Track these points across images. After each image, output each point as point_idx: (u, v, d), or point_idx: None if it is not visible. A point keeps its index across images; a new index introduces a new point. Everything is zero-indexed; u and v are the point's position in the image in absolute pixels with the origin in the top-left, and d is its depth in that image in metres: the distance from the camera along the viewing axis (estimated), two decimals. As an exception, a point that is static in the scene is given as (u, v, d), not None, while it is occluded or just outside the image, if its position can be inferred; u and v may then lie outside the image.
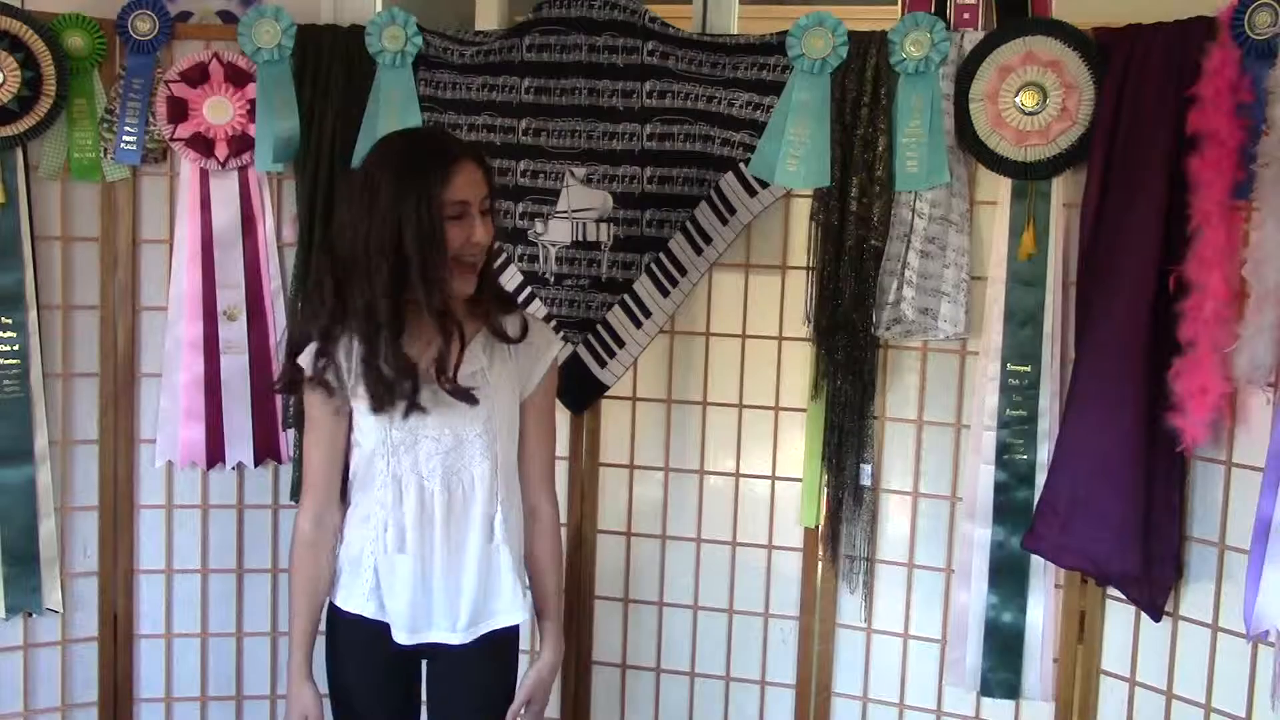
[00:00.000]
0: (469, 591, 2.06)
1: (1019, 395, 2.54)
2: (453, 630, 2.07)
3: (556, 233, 2.72)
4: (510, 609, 2.09)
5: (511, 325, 2.06)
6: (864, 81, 2.57)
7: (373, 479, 2.06)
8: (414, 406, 1.97)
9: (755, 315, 2.74)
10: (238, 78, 2.74)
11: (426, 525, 2.04)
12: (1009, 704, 2.64)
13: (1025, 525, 2.51)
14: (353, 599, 2.09)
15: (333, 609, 2.13)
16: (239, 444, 2.81)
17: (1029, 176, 2.50)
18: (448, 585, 2.06)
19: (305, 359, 2.03)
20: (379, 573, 2.07)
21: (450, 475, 2.04)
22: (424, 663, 2.16)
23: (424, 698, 2.19)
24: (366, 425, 2.04)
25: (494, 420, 2.05)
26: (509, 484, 2.09)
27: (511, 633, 2.13)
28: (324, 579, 2.12)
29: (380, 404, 1.98)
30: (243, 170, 2.77)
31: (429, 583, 2.06)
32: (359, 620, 2.09)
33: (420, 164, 1.92)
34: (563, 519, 2.77)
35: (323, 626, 2.16)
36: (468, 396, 1.99)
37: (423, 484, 2.04)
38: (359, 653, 2.12)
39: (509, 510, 2.08)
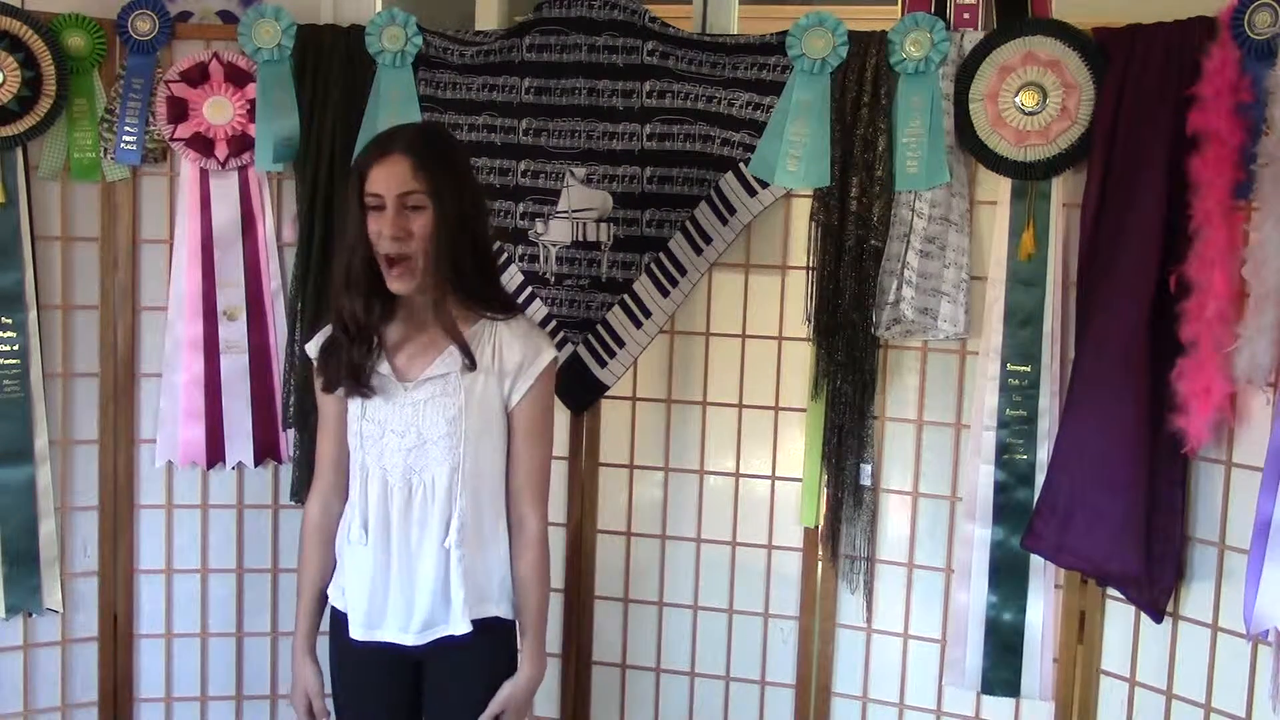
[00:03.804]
0: (424, 595, 2.05)
1: (1019, 395, 2.54)
2: (405, 631, 2.06)
3: (557, 233, 2.72)
4: (456, 618, 2.05)
5: (488, 339, 2.05)
6: (864, 81, 2.57)
7: (352, 470, 2.11)
8: (354, 385, 2.03)
9: (755, 315, 2.74)
10: (238, 78, 2.74)
11: (385, 521, 2.05)
12: (1009, 704, 2.64)
13: (1025, 525, 2.51)
14: (333, 591, 2.15)
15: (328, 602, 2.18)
16: (239, 444, 2.81)
17: (1029, 176, 2.50)
18: (402, 585, 2.05)
19: (311, 347, 2.11)
20: (344, 565, 2.11)
21: (411, 473, 2.04)
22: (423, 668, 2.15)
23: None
24: (349, 416, 2.09)
25: (460, 423, 2.02)
26: (476, 490, 2.06)
27: (470, 638, 2.07)
28: (327, 564, 2.16)
29: (329, 385, 2.07)
30: (243, 170, 2.77)
31: (384, 580, 2.06)
32: (335, 613, 2.14)
33: (359, 160, 2.01)
34: (562, 519, 2.80)
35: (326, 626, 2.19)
36: (361, 391, 2.03)
37: (386, 478, 2.05)
38: (340, 647, 2.15)
39: (474, 517, 2.05)
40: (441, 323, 2.02)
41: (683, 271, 2.70)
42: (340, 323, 2.03)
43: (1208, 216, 2.24)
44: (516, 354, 2.06)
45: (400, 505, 2.05)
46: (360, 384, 2.03)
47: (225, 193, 2.77)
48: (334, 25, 2.80)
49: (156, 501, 2.85)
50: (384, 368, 2.04)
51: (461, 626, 2.06)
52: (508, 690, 2.12)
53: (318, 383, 2.11)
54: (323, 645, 2.19)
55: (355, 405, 2.06)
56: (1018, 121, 2.48)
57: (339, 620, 2.13)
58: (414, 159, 1.95)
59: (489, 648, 2.12)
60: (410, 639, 2.06)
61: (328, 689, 2.19)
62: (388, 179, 1.95)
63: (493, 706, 2.11)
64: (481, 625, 2.08)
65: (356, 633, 2.07)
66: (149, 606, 2.86)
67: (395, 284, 1.98)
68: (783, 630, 2.79)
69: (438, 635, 2.07)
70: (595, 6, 2.66)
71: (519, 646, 2.16)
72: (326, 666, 2.19)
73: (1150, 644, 2.48)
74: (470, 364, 2.01)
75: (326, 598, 2.17)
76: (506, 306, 2.10)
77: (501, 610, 2.11)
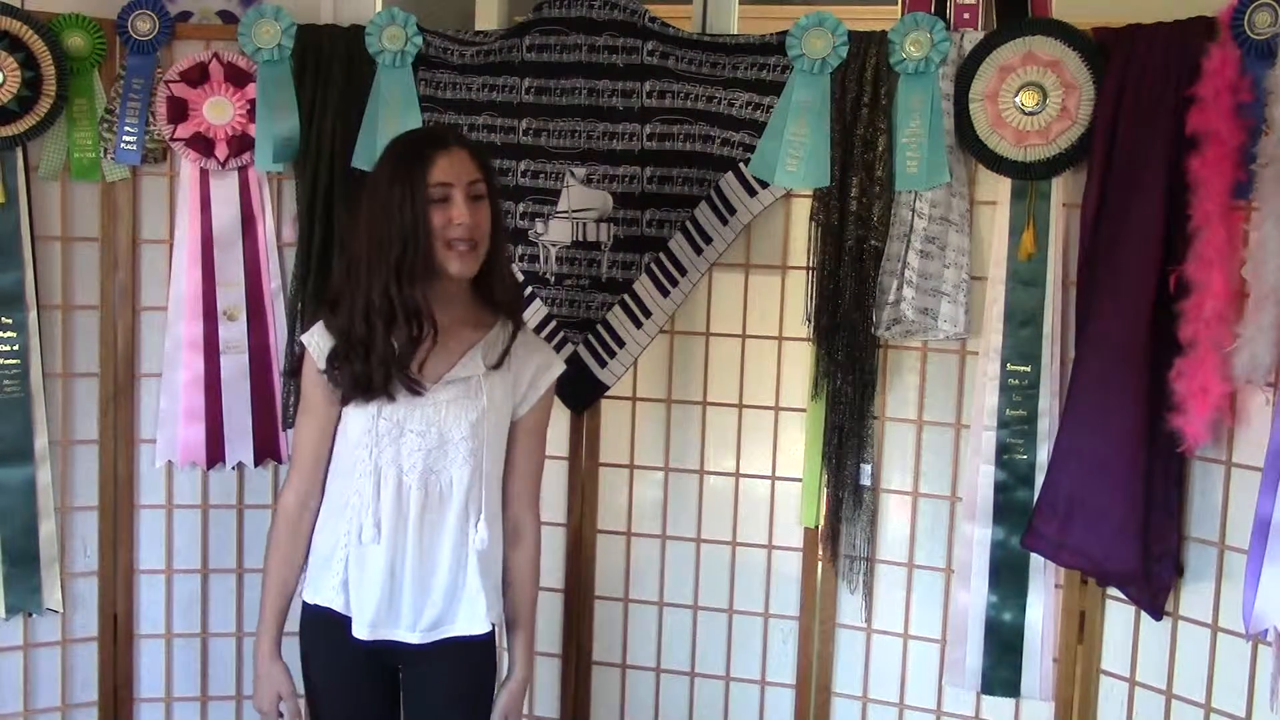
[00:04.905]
0: (437, 594, 2.06)
1: (1019, 395, 2.54)
2: (413, 630, 2.07)
3: (556, 233, 2.72)
4: (471, 619, 2.07)
5: (500, 344, 2.07)
6: (864, 81, 2.57)
7: (353, 468, 2.06)
8: (383, 394, 2.00)
9: (755, 315, 2.74)
10: (238, 78, 2.74)
11: (401, 520, 2.05)
12: (1009, 704, 2.64)
13: (1025, 525, 2.51)
14: (322, 591, 2.10)
15: (303, 605, 2.13)
16: (239, 444, 2.81)
17: (1029, 176, 2.50)
18: (416, 585, 2.05)
19: (308, 338, 2.08)
20: (349, 564, 2.07)
21: (429, 474, 2.04)
22: (400, 670, 2.15)
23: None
24: (353, 412, 2.06)
25: (482, 426, 2.05)
26: (490, 494, 2.09)
27: (481, 638, 2.10)
28: (299, 560, 2.13)
29: (349, 396, 2.03)
30: (243, 170, 2.77)
31: (398, 579, 2.06)
32: (328, 614, 2.09)
33: (409, 155, 1.99)
34: (562, 519, 2.80)
35: (293, 628, 2.16)
36: (415, 387, 2.00)
37: (402, 478, 2.04)
38: (329, 648, 2.12)
39: (487, 520, 2.07)
40: (497, 296, 2.06)
41: (683, 271, 2.70)
42: (387, 316, 1.97)
43: (1207, 216, 2.24)
44: (531, 363, 2.11)
45: (417, 507, 2.04)
46: (406, 375, 1.99)
47: (225, 193, 2.77)
48: (334, 25, 2.79)
49: (156, 501, 2.85)
50: None
51: (482, 625, 2.07)
52: (506, 696, 2.16)
53: (326, 386, 2.06)
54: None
55: (370, 404, 2.03)
56: (1018, 121, 2.48)
57: (329, 621, 2.09)
58: (472, 151, 2.02)
59: (475, 652, 2.12)
60: (416, 638, 2.07)
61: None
62: (456, 168, 1.97)
63: (496, 714, 2.15)
64: (457, 642, 2.09)
65: (361, 632, 2.06)
66: (149, 606, 2.86)
67: (460, 264, 1.99)
68: (783, 630, 2.79)
69: (443, 635, 2.07)
70: (595, 6, 2.66)
71: (511, 646, 2.18)
72: (295, 669, 2.17)
73: (1150, 644, 2.48)
74: (500, 360, 2.05)
75: (292, 595, 2.15)
76: (518, 313, 2.15)
77: (493, 615, 2.12)
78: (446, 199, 1.96)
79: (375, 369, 1.99)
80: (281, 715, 2.16)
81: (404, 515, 2.05)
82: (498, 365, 2.06)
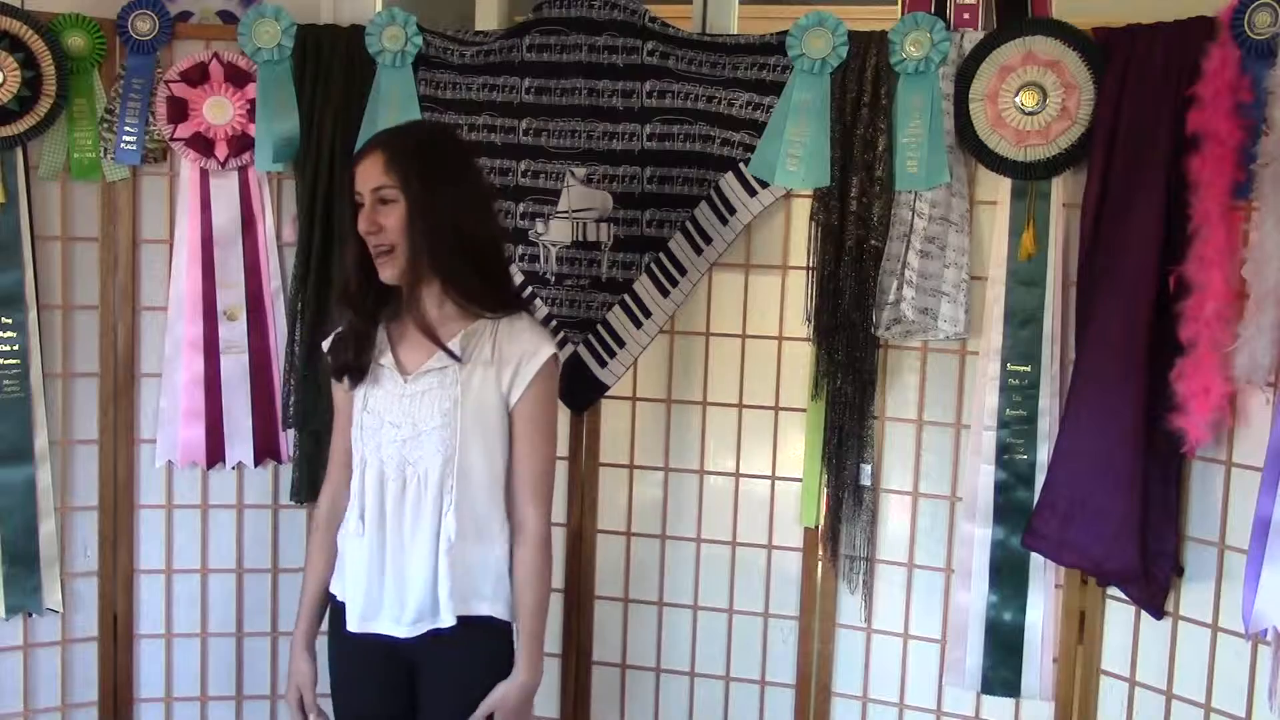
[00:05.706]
0: (417, 586, 2.06)
1: (1019, 395, 2.54)
2: (398, 623, 2.07)
3: (557, 233, 2.72)
4: (444, 611, 2.06)
5: (484, 335, 2.07)
6: (864, 81, 2.57)
7: (354, 464, 2.14)
8: (354, 372, 2.10)
9: (755, 315, 2.74)
10: (238, 78, 2.74)
11: (381, 512, 2.07)
12: (1009, 703, 2.64)
13: (1025, 525, 2.51)
14: (337, 584, 2.17)
15: (330, 597, 2.20)
16: (239, 444, 2.81)
17: (1029, 176, 2.50)
18: (396, 577, 2.07)
19: (327, 344, 2.17)
20: (344, 557, 2.13)
21: (405, 465, 2.06)
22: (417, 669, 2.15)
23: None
24: (354, 409, 2.13)
25: (455, 415, 2.03)
26: (469, 484, 2.05)
27: (453, 632, 2.07)
28: (330, 559, 2.18)
29: (339, 372, 2.13)
30: (243, 170, 2.77)
31: (381, 571, 2.08)
32: (341, 605, 2.15)
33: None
34: (563, 519, 2.80)
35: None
36: (344, 374, 2.10)
37: (382, 469, 2.07)
38: (341, 639, 2.15)
39: (467, 511, 2.05)
40: (413, 315, 2.05)
41: (683, 271, 2.70)
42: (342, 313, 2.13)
43: (1207, 216, 2.24)
44: (515, 350, 2.07)
45: (395, 496, 2.06)
46: (358, 369, 2.09)
47: (225, 193, 2.78)
48: (334, 25, 2.80)
49: (156, 501, 2.85)
50: (387, 360, 2.09)
51: (446, 619, 2.05)
52: (500, 691, 2.09)
53: (342, 386, 2.17)
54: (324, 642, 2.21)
55: (359, 398, 2.11)
56: (1018, 121, 2.48)
57: (338, 612, 2.14)
58: (387, 154, 2.01)
59: (482, 648, 2.11)
60: (403, 631, 2.07)
61: (324, 688, 2.19)
62: (363, 176, 2.02)
63: (483, 707, 2.08)
64: (474, 624, 2.08)
65: (352, 624, 2.09)
66: (149, 606, 2.86)
67: (381, 272, 2.04)
68: (783, 630, 2.79)
69: (427, 628, 2.07)
70: (595, 6, 2.66)
71: (516, 649, 2.15)
72: (326, 663, 2.20)
73: (1150, 644, 2.48)
74: (451, 357, 2.04)
75: (329, 593, 2.19)
76: (505, 305, 2.10)
77: (496, 610, 2.10)
78: (363, 205, 2.03)
79: (351, 352, 2.09)
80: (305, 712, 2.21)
81: (383, 507, 2.08)
82: (465, 354, 2.04)
